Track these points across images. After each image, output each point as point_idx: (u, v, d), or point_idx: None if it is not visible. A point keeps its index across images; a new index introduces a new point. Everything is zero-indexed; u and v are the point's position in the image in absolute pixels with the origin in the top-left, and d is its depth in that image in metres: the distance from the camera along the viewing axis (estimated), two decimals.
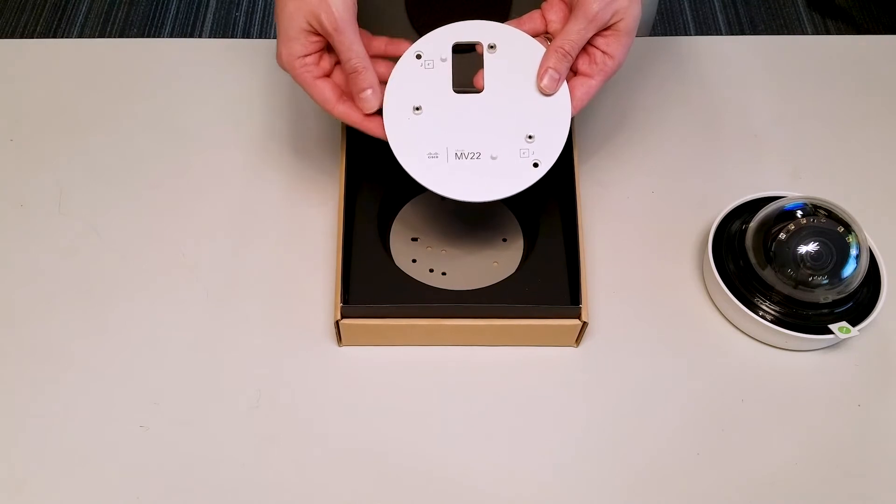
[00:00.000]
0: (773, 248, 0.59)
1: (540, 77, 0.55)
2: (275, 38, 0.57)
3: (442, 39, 0.56)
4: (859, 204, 0.64)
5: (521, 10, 0.59)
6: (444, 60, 0.56)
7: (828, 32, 1.74)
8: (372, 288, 0.59)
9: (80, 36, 1.71)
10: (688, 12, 1.77)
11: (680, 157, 0.71)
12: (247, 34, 1.71)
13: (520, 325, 0.59)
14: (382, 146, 0.56)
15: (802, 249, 0.59)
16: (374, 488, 0.55)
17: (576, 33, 0.54)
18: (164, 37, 1.71)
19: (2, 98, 0.73)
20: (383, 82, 0.56)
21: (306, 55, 0.55)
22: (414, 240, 0.64)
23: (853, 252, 0.58)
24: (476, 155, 0.56)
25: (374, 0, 0.71)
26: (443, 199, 0.58)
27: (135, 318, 0.62)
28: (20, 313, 0.62)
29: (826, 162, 0.71)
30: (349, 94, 0.56)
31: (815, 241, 0.59)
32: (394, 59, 0.57)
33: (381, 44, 0.58)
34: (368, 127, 0.57)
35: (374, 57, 0.56)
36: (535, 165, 0.56)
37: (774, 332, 0.59)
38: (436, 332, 0.59)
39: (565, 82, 0.56)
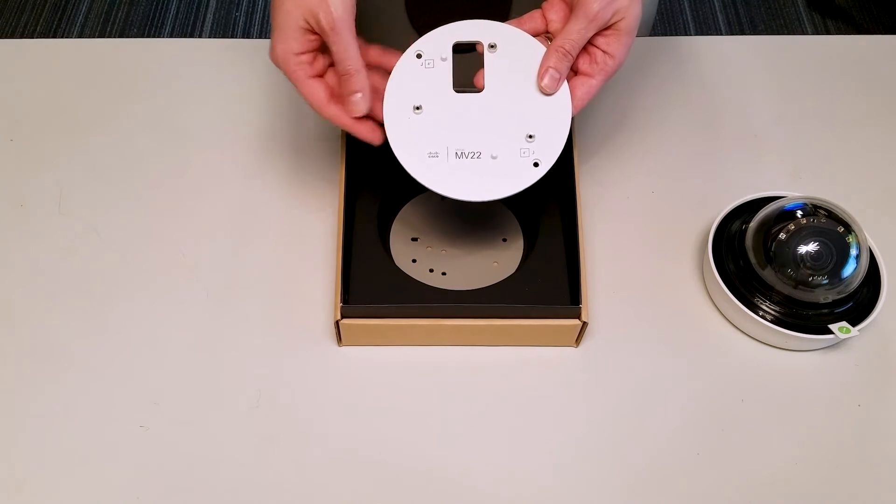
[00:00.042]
0: (773, 248, 0.59)
1: (540, 76, 0.55)
2: None
3: (442, 39, 0.56)
4: (859, 204, 0.64)
5: (522, 10, 0.59)
6: (444, 60, 0.56)
7: (828, 32, 1.74)
8: (372, 288, 0.59)
9: (80, 36, 1.71)
10: (688, 12, 1.77)
11: (680, 157, 0.71)
12: (247, 34, 1.71)
13: (520, 325, 0.59)
14: (383, 146, 0.56)
15: (802, 249, 0.59)
16: (374, 488, 0.55)
17: (576, 33, 0.54)
18: (164, 37, 1.71)
19: (2, 98, 0.73)
20: (375, 91, 0.56)
21: (301, 53, 0.55)
22: (414, 240, 0.64)
23: (853, 252, 0.58)
24: (476, 154, 0.56)
25: (374, 0, 0.71)
26: (443, 198, 0.58)
27: (135, 318, 0.62)
28: (20, 313, 0.62)
29: (826, 162, 0.71)
30: (341, 96, 0.56)
31: (815, 241, 0.59)
32: (386, 71, 0.57)
33: (375, 53, 0.58)
34: (357, 130, 0.57)
35: (368, 66, 0.56)
36: (536, 165, 0.56)
37: (774, 332, 0.59)
38: (436, 332, 0.59)
39: (566, 82, 0.56)
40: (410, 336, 0.60)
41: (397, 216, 0.66)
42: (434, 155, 0.56)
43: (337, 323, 0.57)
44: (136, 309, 0.62)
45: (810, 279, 0.58)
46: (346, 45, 0.53)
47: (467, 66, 0.57)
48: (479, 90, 0.56)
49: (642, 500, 0.55)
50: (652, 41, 0.77)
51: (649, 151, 0.71)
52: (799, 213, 0.60)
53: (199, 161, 0.69)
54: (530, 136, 0.56)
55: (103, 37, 1.71)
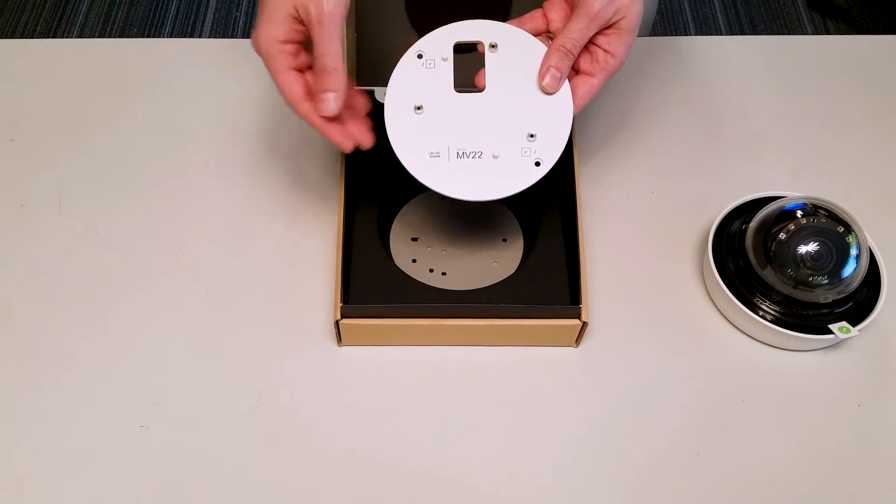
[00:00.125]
0: (773, 248, 0.59)
1: (541, 76, 0.55)
2: None
3: (443, 39, 0.56)
4: (859, 204, 0.64)
5: (522, 10, 0.59)
6: (445, 60, 0.56)
7: (828, 32, 1.74)
8: (372, 288, 0.59)
9: (80, 36, 1.71)
10: (688, 12, 1.77)
11: (680, 157, 0.71)
12: (247, 34, 1.70)
13: (520, 325, 0.59)
14: (383, 146, 0.56)
15: (802, 249, 0.59)
16: (374, 488, 0.55)
17: (577, 32, 0.54)
18: (164, 37, 1.71)
19: (2, 98, 0.73)
20: (353, 112, 0.56)
21: (286, 42, 0.53)
22: (414, 240, 0.64)
23: (853, 252, 0.58)
24: (477, 154, 0.56)
25: (374, 0, 0.71)
26: (443, 198, 0.58)
27: (135, 318, 0.62)
28: (20, 313, 0.62)
29: (826, 162, 0.71)
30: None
31: (815, 241, 0.59)
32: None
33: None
34: (328, 132, 0.55)
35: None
36: (537, 164, 0.56)
37: (774, 332, 0.59)
38: (436, 332, 0.59)
39: (567, 81, 0.56)
40: (410, 336, 0.60)
41: (397, 216, 0.66)
42: (435, 155, 0.56)
43: (337, 323, 0.57)
44: (136, 309, 0.62)
45: (810, 279, 0.58)
46: (330, 41, 0.52)
47: (468, 66, 0.57)
48: (480, 90, 0.56)
49: (642, 500, 0.55)
50: (652, 41, 0.77)
51: (649, 151, 0.71)
52: (799, 213, 0.60)
53: (199, 161, 0.69)
54: (531, 136, 0.56)
55: (103, 37, 1.71)
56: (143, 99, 0.73)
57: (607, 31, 0.55)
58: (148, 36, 1.72)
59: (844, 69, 0.76)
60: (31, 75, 0.74)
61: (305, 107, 0.54)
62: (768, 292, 0.60)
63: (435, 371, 0.60)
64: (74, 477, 0.56)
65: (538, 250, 0.61)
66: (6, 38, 1.70)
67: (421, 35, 0.56)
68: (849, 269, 0.58)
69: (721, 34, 1.73)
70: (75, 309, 0.62)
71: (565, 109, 0.56)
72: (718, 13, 1.77)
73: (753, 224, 0.61)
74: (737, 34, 1.72)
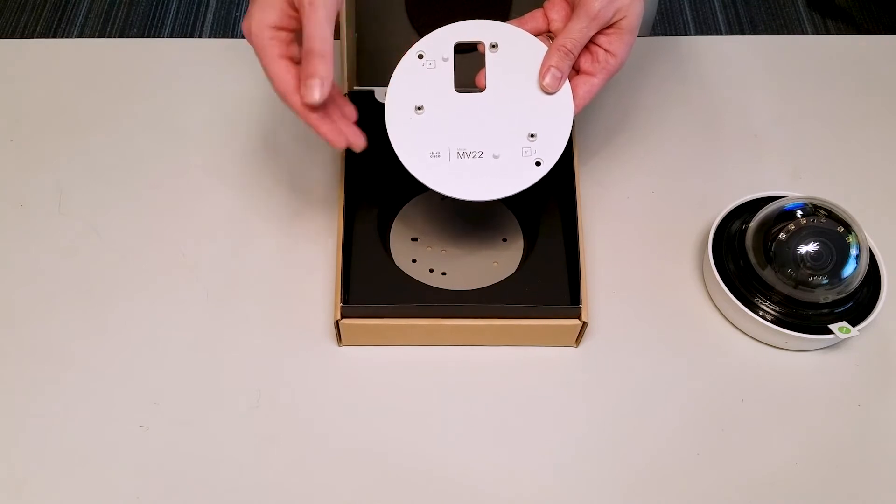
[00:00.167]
0: (773, 248, 0.59)
1: (542, 76, 0.55)
2: None
3: (443, 39, 0.56)
4: (859, 204, 0.64)
5: (522, 10, 0.59)
6: (445, 60, 0.56)
7: (828, 32, 1.74)
8: (372, 288, 0.59)
9: (80, 36, 1.71)
10: (688, 12, 1.77)
11: (680, 157, 0.71)
12: None
13: (520, 325, 0.59)
14: (383, 146, 0.56)
15: (802, 249, 0.59)
16: (374, 488, 0.55)
17: (578, 31, 0.54)
18: (164, 37, 1.71)
19: (2, 98, 0.73)
20: (347, 118, 0.54)
21: (278, 28, 0.51)
22: (414, 240, 0.64)
23: (853, 252, 0.58)
24: (478, 154, 0.56)
25: (374, 0, 0.71)
26: (443, 198, 0.58)
27: (135, 318, 0.62)
28: (20, 313, 0.62)
29: (826, 162, 0.71)
30: None
31: (815, 241, 0.59)
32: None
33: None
34: (319, 127, 0.53)
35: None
36: (538, 164, 0.56)
37: (774, 332, 0.59)
38: (436, 332, 0.59)
39: (567, 81, 0.56)
40: (410, 336, 0.60)
41: (397, 216, 0.65)
42: (436, 155, 0.56)
43: (337, 323, 0.57)
44: (136, 309, 0.62)
45: (810, 279, 0.58)
46: (318, 24, 0.49)
47: (469, 66, 0.57)
48: (481, 90, 0.56)
49: (642, 500, 0.55)
50: (652, 41, 0.77)
51: (649, 151, 0.71)
52: (799, 213, 0.60)
53: (199, 161, 0.69)
54: (532, 136, 0.56)
55: (103, 37, 1.71)
56: (143, 99, 0.73)
57: (608, 31, 0.55)
58: (148, 36, 1.72)
59: (844, 69, 0.76)
60: (31, 75, 0.74)
61: (296, 98, 0.52)
62: (768, 292, 0.60)
63: (435, 371, 0.60)
64: (74, 477, 0.56)
65: (538, 250, 0.61)
66: (6, 38, 1.70)
67: (421, 35, 0.57)
68: (849, 269, 0.58)
69: (721, 34, 1.73)
70: (75, 309, 0.62)
71: (566, 109, 0.56)
72: (718, 13, 1.77)
73: (753, 224, 0.61)
74: (737, 34, 1.72)
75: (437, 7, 0.70)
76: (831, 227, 0.59)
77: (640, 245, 0.66)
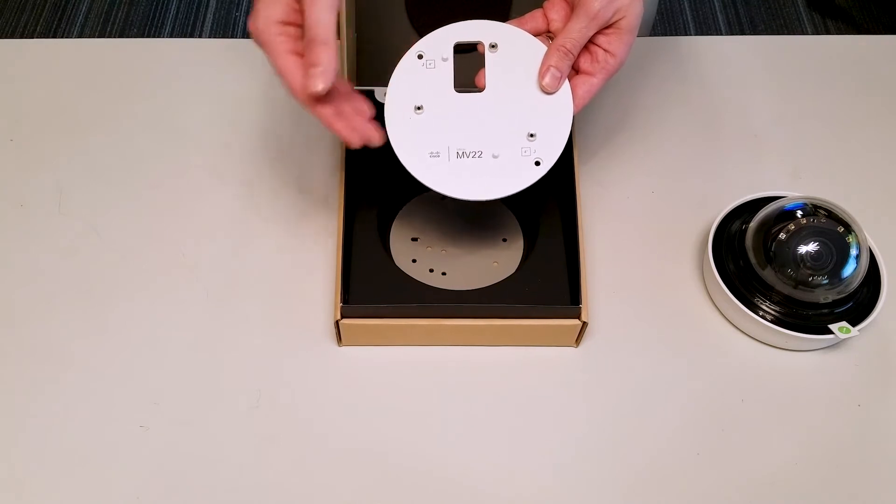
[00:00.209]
0: (773, 248, 0.59)
1: (541, 75, 0.55)
2: None
3: (443, 39, 0.56)
4: (859, 204, 0.64)
5: (522, 10, 0.59)
6: (445, 60, 0.56)
7: (828, 32, 1.74)
8: (372, 288, 0.59)
9: (80, 36, 1.71)
10: (688, 12, 1.77)
11: (680, 157, 0.71)
12: (247, 34, 1.70)
13: (520, 325, 0.59)
14: (384, 146, 0.56)
15: (802, 249, 0.59)
16: (374, 488, 0.55)
17: (577, 31, 0.54)
18: (164, 37, 1.71)
19: (2, 98, 0.73)
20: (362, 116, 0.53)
21: (286, 23, 0.50)
22: (414, 240, 0.64)
23: (853, 252, 0.58)
24: (478, 154, 0.56)
25: (374, 0, 0.71)
26: (443, 198, 0.58)
27: (135, 318, 0.62)
28: (20, 313, 0.62)
29: (826, 162, 0.71)
30: None
31: (815, 241, 0.59)
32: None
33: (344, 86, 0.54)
34: (333, 125, 0.52)
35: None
36: (537, 164, 0.56)
37: (774, 332, 0.59)
38: (436, 332, 0.59)
39: (567, 81, 0.56)
40: (410, 336, 0.60)
41: (397, 216, 0.65)
42: (435, 154, 0.56)
43: (337, 323, 0.57)
44: (136, 309, 0.62)
45: (810, 279, 0.58)
46: (320, 11, 0.48)
47: (468, 66, 0.57)
48: (481, 90, 0.56)
49: (642, 500, 0.55)
50: (652, 41, 0.77)
51: (649, 151, 0.71)
52: (799, 213, 0.60)
53: (199, 161, 0.69)
54: (531, 135, 0.56)
55: (103, 37, 1.71)
56: (143, 99, 0.73)
57: (607, 31, 0.55)
58: (148, 36, 1.72)
59: (844, 69, 0.76)
60: (31, 75, 0.74)
61: (305, 93, 0.51)
62: (768, 292, 0.60)
63: (435, 371, 0.60)
64: (74, 477, 0.56)
65: (538, 250, 0.61)
66: (6, 38, 1.70)
67: (421, 35, 0.57)
68: (849, 269, 0.58)
69: (721, 34, 1.73)
70: (75, 309, 0.62)
71: (565, 109, 0.56)
72: (718, 13, 1.77)
73: (753, 224, 0.61)
74: (737, 34, 1.72)
75: (437, 7, 0.70)
76: (831, 227, 0.59)
77: (640, 245, 0.66)
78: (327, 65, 0.49)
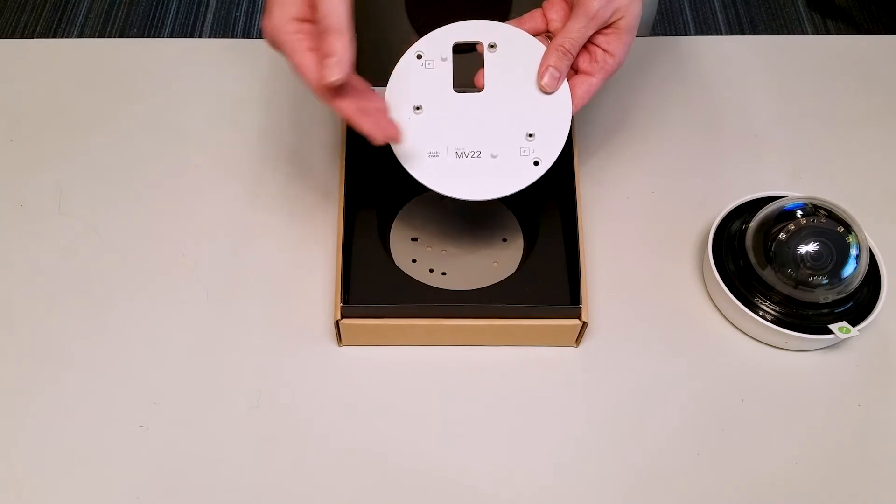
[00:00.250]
0: (773, 248, 0.59)
1: (540, 75, 0.55)
2: None
3: (442, 39, 0.56)
4: (859, 204, 0.64)
5: (522, 10, 0.59)
6: (444, 60, 0.56)
7: (828, 32, 1.74)
8: (372, 288, 0.59)
9: (80, 36, 1.71)
10: (688, 12, 1.77)
11: (680, 157, 0.71)
12: (247, 34, 1.71)
13: (520, 325, 0.59)
14: (383, 146, 0.56)
15: (802, 249, 0.59)
16: (374, 488, 0.55)
17: (576, 31, 0.54)
18: (164, 37, 1.71)
19: (2, 98, 0.73)
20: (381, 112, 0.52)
21: (301, 20, 0.49)
22: (414, 240, 0.64)
23: (853, 252, 0.58)
24: (476, 154, 0.56)
25: (374, 0, 0.72)
26: (443, 198, 0.58)
27: (135, 318, 0.62)
28: (20, 313, 0.62)
29: (826, 162, 0.71)
30: None
31: (815, 241, 0.59)
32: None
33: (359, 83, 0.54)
34: (356, 121, 0.51)
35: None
36: (536, 164, 0.56)
37: (774, 332, 0.59)
38: (436, 332, 0.59)
39: (566, 80, 0.56)
40: (410, 336, 0.60)
41: (397, 216, 0.66)
42: (434, 154, 0.56)
43: (337, 323, 0.57)
44: (136, 309, 0.62)
45: (810, 279, 0.58)
46: (333, 1, 0.48)
47: (468, 66, 0.57)
48: (480, 90, 0.56)
49: (642, 500, 0.55)
50: (652, 41, 0.77)
51: (649, 151, 0.71)
52: (799, 213, 0.60)
53: (199, 161, 0.69)
54: (530, 135, 0.56)
55: (103, 37, 1.71)
56: (143, 99, 0.73)
57: (606, 31, 0.55)
58: (148, 36, 1.72)
59: (844, 69, 0.76)
60: (31, 75, 0.74)
61: (334, 98, 0.51)
62: (768, 292, 0.60)
63: (435, 371, 0.60)
64: (74, 477, 0.56)
65: (538, 250, 0.61)
66: (6, 38, 1.70)
67: (421, 35, 0.57)
68: (849, 269, 0.58)
69: (721, 34, 1.73)
70: (75, 309, 0.62)
71: (564, 109, 0.56)
72: (718, 13, 1.77)
73: (753, 224, 0.61)
74: (737, 34, 1.72)
75: (436, 7, 0.70)
76: (831, 227, 0.59)
77: (640, 245, 0.66)
78: (342, 54, 0.48)
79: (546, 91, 0.55)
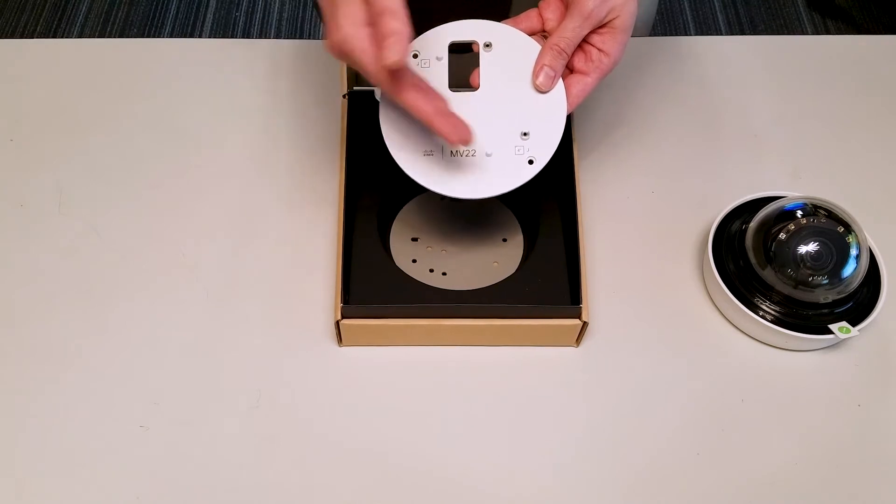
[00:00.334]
0: (773, 248, 0.59)
1: (535, 75, 0.55)
2: (274, 38, 0.56)
3: (438, 39, 0.56)
4: (859, 204, 0.64)
5: (521, 10, 0.59)
6: (440, 59, 0.56)
7: (828, 32, 1.74)
8: (372, 288, 0.59)
9: (80, 36, 1.71)
10: (688, 12, 1.77)
11: (680, 157, 0.71)
12: (247, 34, 1.71)
13: (520, 325, 0.59)
14: (383, 146, 0.56)
15: (802, 249, 0.59)
16: (374, 488, 0.55)
17: (571, 31, 0.54)
18: (164, 37, 1.71)
19: (2, 98, 0.73)
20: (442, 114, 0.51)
21: (367, 24, 0.48)
22: (414, 240, 0.64)
23: (853, 252, 0.58)
24: (471, 152, 0.56)
25: None
26: (442, 198, 0.58)
27: (135, 318, 0.62)
28: (20, 313, 0.62)
29: (826, 162, 0.71)
30: (418, 85, 0.51)
31: (815, 241, 0.59)
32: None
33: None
34: (437, 125, 0.51)
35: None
36: (531, 162, 0.56)
37: (774, 332, 0.59)
38: (436, 332, 0.59)
39: (561, 80, 0.56)
40: (410, 336, 0.60)
41: (397, 216, 0.66)
42: (429, 153, 0.56)
43: (337, 323, 0.57)
44: (136, 309, 0.62)
45: (810, 279, 0.58)
46: None
47: (464, 66, 0.57)
48: (475, 89, 0.56)
49: (642, 500, 0.55)
50: (652, 41, 0.77)
51: (649, 151, 0.71)
52: (799, 213, 0.60)
53: (199, 161, 0.69)
54: (525, 134, 0.56)
55: (103, 37, 1.71)
56: (143, 99, 0.73)
57: (601, 30, 0.55)
58: (148, 36, 1.72)
59: (844, 69, 0.76)
60: (31, 75, 0.74)
61: (412, 95, 0.50)
62: (768, 292, 0.60)
63: (435, 371, 0.60)
64: (74, 477, 0.56)
65: (538, 250, 0.61)
66: (6, 38, 1.70)
67: (417, 35, 0.57)
68: (849, 269, 0.58)
69: (721, 34, 1.73)
70: (75, 309, 0.62)
71: (559, 108, 0.56)
72: (718, 13, 1.77)
73: (753, 224, 0.61)
74: (737, 34, 1.72)
75: (434, 7, 0.70)
76: (831, 227, 0.59)
77: (640, 245, 0.66)
78: (399, 32, 0.47)
79: (541, 90, 0.55)
